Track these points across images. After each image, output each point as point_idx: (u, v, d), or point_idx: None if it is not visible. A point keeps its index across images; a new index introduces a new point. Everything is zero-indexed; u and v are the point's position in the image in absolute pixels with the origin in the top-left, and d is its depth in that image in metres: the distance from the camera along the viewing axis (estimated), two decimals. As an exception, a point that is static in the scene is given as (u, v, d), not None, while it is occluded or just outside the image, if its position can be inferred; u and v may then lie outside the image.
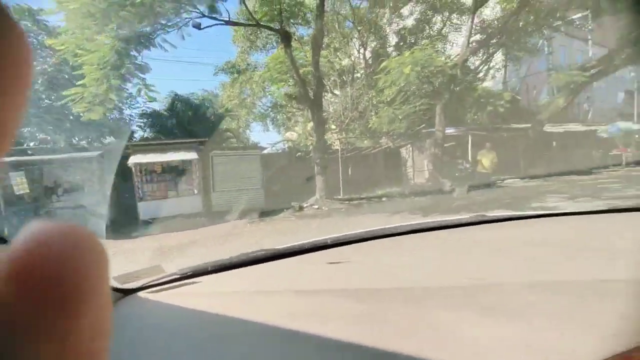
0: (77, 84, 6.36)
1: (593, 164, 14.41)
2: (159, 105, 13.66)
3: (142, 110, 12.72)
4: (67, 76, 8.40)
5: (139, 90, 7.91)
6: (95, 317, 0.12)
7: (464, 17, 14.70)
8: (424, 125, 12.36)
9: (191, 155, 9.55)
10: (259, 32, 15.29)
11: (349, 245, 1.38)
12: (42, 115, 9.54)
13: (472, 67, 14.81)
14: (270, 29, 8.46)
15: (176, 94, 13.93)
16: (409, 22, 15.88)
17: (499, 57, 16.55)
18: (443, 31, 15.38)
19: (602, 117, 19.24)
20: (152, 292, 1.04)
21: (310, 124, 10.06)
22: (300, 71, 9.31)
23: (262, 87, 15.06)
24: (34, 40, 9.71)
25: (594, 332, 0.59)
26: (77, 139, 11.15)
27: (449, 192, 10.10)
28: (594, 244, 1.13)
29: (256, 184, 11.60)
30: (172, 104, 13.59)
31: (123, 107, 11.20)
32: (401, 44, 15.46)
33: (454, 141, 12.45)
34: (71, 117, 9.42)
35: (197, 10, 7.72)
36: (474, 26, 11.79)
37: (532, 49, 16.05)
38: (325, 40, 15.30)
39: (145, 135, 13.11)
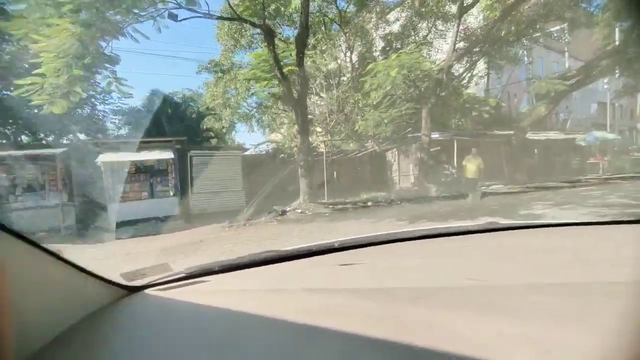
0: (33, 73, 5.63)
1: (572, 171, 14.59)
2: (136, 102, 12.89)
3: (117, 106, 11.86)
4: (27, 65, 7.57)
5: (109, 84, 7.18)
6: None
7: (448, 24, 14.70)
8: (409, 129, 12.12)
9: (167, 155, 8.86)
10: (243, 30, 14.75)
11: (358, 249, 1.36)
12: None
13: (457, 74, 14.81)
14: (253, 24, 7.93)
15: (155, 91, 13.13)
16: (395, 27, 15.79)
17: (481, 65, 16.70)
18: (428, 37, 15.34)
19: (579, 126, 19.72)
20: (160, 289, 1.01)
21: (296, 126, 9.56)
22: (284, 70, 8.82)
23: (246, 87, 14.47)
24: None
25: (598, 330, 0.59)
26: (40, 134, 10.16)
27: (436, 197, 9.82)
28: (603, 252, 1.11)
29: (237, 186, 11.00)
30: (150, 101, 12.74)
31: (96, 102, 10.36)
32: (387, 48, 15.29)
33: (440, 146, 12.24)
34: (35, 111, 8.52)
35: (174, 1, 7.13)
36: (459, 33, 11.62)
37: (513, 58, 16.27)
38: (312, 41, 14.96)
39: (120, 132, 12.22)
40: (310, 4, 14.83)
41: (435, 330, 0.64)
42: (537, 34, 16.30)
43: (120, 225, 8.55)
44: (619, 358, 0.51)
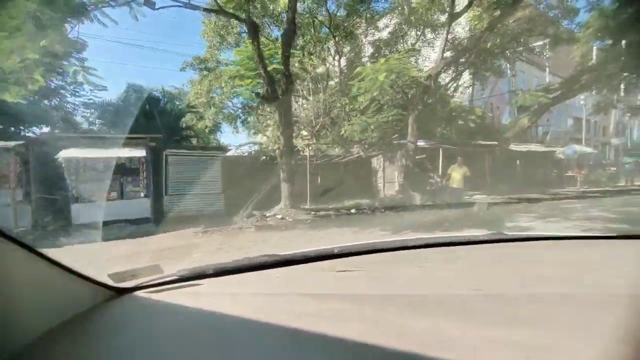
0: (-24, 53, 4.90)
1: (551, 183, 14.69)
2: (111, 95, 11.94)
3: (89, 99, 10.93)
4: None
5: (75, 73, 6.46)
6: None
7: (437, 33, 14.63)
8: (396, 135, 11.81)
9: (139, 153, 8.14)
10: (230, 27, 14.17)
11: (357, 256, 1.32)
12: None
13: (444, 83, 14.73)
14: (237, 17, 7.40)
15: (132, 85, 12.25)
16: (384, 34, 15.61)
17: (466, 76, 16.75)
18: (417, 45, 15.22)
19: (558, 140, 20.08)
20: (150, 292, 0.97)
21: (279, 127, 9.03)
22: (269, 69, 8.30)
23: (232, 86, 13.86)
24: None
25: (591, 339, 0.60)
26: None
27: (421, 206, 9.49)
28: (603, 266, 1.11)
29: (216, 189, 10.34)
30: (126, 95, 11.87)
31: (66, 94, 9.44)
32: (376, 55, 15.05)
33: (425, 154, 11.98)
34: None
35: (151, -13, 6.51)
36: (447, 41, 11.44)
37: (497, 70, 16.36)
38: (300, 42, 14.53)
39: (92, 127, 11.29)
40: (300, 5, 14.55)
41: (429, 336, 0.63)
42: (521, 48, 16.52)
43: (83, 227, 7.76)
44: None
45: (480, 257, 1.35)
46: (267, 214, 8.92)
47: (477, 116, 12.89)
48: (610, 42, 12.62)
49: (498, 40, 14.46)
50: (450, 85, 15.40)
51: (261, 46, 8.52)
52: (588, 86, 13.14)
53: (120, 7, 6.53)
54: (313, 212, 9.11)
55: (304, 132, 13.07)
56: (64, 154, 7.43)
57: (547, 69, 21.15)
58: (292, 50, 10.61)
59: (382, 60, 10.30)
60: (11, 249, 0.63)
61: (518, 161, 14.73)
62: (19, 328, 0.64)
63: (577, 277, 0.97)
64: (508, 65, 17.92)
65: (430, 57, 15.40)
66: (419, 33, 15.19)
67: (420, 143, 11.59)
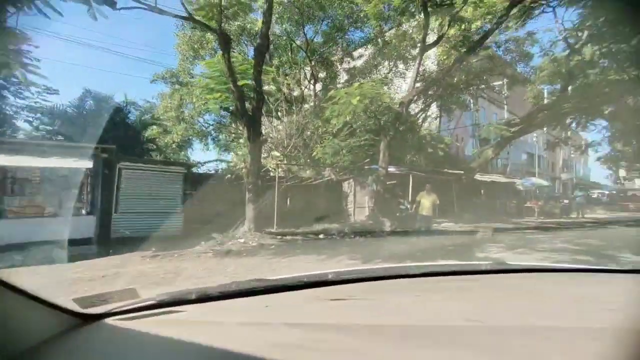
0: None
1: (512, 213, 15.10)
2: (63, 100, 10.61)
3: (36, 102, 9.61)
4: None
5: (10, 67, 5.52)
6: None
7: (407, 65, 15.11)
8: (367, 160, 11.57)
9: (82, 164, 7.08)
10: (204, 41, 13.67)
11: (352, 284, 1.25)
12: None
13: (413, 113, 15.06)
14: (207, 27, 6.89)
15: (91, 91, 11.09)
16: (359, 62, 15.90)
17: (434, 107, 17.37)
18: (389, 75, 15.59)
19: (516, 172, 21.09)
20: (122, 319, 0.87)
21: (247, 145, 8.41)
22: (240, 83, 7.78)
23: (203, 101, 13.16)
24: None
25: None
26: None
27: (389, 232, 9.08)
28: (597, 298, 1.08)
29: (175, 208, 9.32)
30: (80, 101, 10.69)
31: (7, 95, 8.20)
32: (351, 82, 15.17)
33: (396, 180, 11.80)
34: None
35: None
36: (418, 72, 11.68)
37: (462, 104, 17.13)
38: (276, 62, 14.31)
39: (37, 134, 9.91)
40: (278, 27, 14.49)
41: None
42: (483, 86, 17.54)
43: (7, 249, 6.47)
44: None
45: (478, 287, 1.29)
46: (229, 238, 8.07)
47: (446, 145, 13.09)
48: (561, 84, 13.61)
49: (463, 76, 15.22)
50: (419, 115, 15.82)
51: (233, 60, 8.06)
52: (544, 123, 13.93)
53: (78, 3, 5.81)
54: (279, 237, 8.38)
55: (276, 153, 12.53)
56: (-12, 162, 6.25)
57: (505, 107, 22.55)
58: (266, 68, 10.26)
59: (356, 84, 10.19)
60: None
61: (482, 190, 15.06)
62: None
63: (576, 310, 0.96)
64: (471, 100, 18.87)
65: (402, 87, 15.86)
66: (391, 64, 15.63)
67: (391, 169, 11.42)
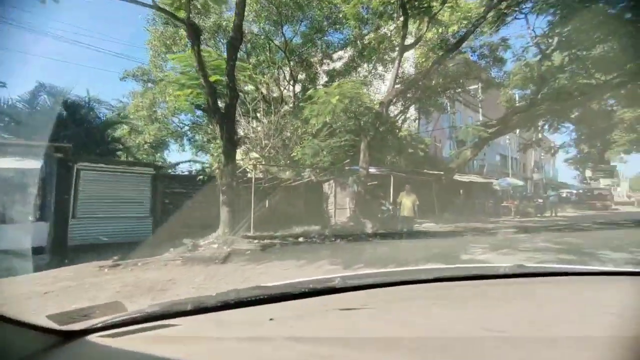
0: None
1: (489, 213, 15.22)
2: (11, 94, 9.45)
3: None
4: None
5: None
6: None
7: (387, 67, 14.98)
8: (348, 161, 11.21)
9: (33, 164, 6.23)
10: (177, 37, 12.92)
11: (362, 291, 1.15)
12: None
13: (392, 115, 14.94)
14: (174, 16, 6.27)
15: (46, 85, 10.00)
16: (338, 64, 15.62)
17: (413, 110, 17.38)
18: (369, 77, 15.41)
19: (492, 172, 21.49)
20: (106, 335, 0.78)
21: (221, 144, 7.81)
22: (212, 79, 7.19)
23: (175, 99, 12.38)
24: None
25: None
26: None
27: (371, 235, 8.72)
28: (632, 306, 0.98)
29: (142, 212, 8.55)
30: (33, 96, 9.63)
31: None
32: (330, 83, 14.87)
33: (377, 180, 11.51)
34: None
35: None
36: (397, 73, 11.49)
37: (439, 106, 17.24)
38: (253, 60, 13.75)
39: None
40: (256, 26, 13.96)
41: None
42: (459, 90, 17.77)
43: None
44: None
45: (496, 293, 1.18)
46: (201, 243, 7.41)
47: (426, 145, 12.98)
48: (532, 89, 13.90)
49: (441, 79, 15.30)
50: (399, 117, 15.74)
51: (205, 55, 7.46)
52: (519, 125, 14.15)
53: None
54: (256, 241, 7.80)
55: (254, 154, 11.94)
56: None
57: (480, 110, 23.02)
58: (243, 64, 9.70)
59: (336, 84, 9.83)
60: None
61: (461, 190, 15.09)
62: None
63: (597, 316, 0.88)
64: (448, 103, 19.08)
65: (381, 89, 15.71)
66: (370, 66, 15.45)
67: (372, 170, 11.12)
